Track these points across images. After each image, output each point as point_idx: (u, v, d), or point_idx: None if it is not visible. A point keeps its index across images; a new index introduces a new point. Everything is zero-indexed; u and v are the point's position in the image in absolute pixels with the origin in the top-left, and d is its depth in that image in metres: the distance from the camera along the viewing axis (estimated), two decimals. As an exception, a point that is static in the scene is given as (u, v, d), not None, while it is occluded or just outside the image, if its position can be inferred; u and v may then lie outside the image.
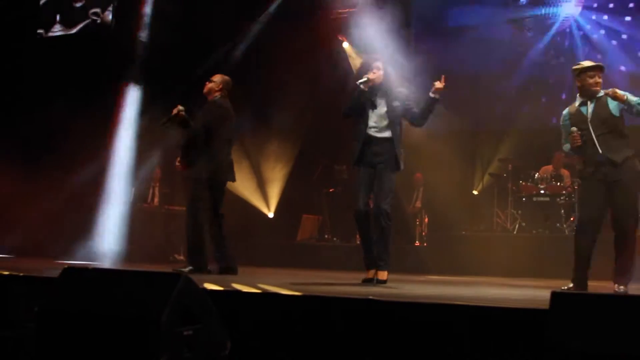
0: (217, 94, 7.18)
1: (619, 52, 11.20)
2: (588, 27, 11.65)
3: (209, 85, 7.25)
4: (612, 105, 5.79)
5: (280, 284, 5.17)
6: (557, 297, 2.81)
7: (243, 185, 11.76)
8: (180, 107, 6.87)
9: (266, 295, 4.26)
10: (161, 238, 10.99)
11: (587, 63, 5.99)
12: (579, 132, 5.80)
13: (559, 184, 10.49)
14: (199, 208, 6.88)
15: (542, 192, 10.47)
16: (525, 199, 10.63)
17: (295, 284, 5.33)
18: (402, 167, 6.14)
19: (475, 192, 12.01)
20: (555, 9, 11.85)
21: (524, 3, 12.06)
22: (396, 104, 6.10)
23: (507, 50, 12.06)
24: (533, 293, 5.26)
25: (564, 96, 11.27)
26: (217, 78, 7.28)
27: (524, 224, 10.43)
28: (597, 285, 6.95)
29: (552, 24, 11.87)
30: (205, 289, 4.06)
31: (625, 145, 5.80)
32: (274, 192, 12.08)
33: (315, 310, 3.78)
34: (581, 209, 5.99)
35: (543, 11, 11.94)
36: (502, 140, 11.69)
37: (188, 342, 3.02)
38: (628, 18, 11.43)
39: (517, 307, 3.58)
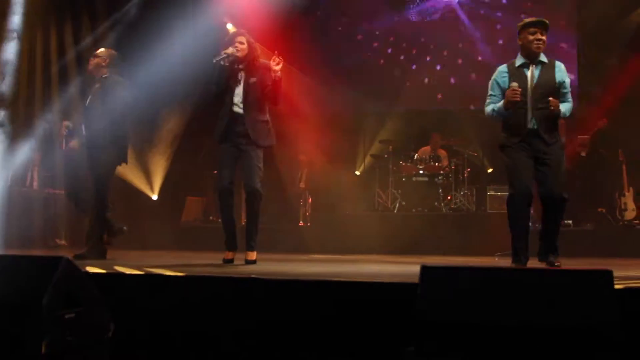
0: (105, 71, 6.55)
1: (497, 38, 11.63)
2: (467, 15, 12.06)
3: (95, 60, 6.56)
4: (559, 77, 5.30)
5: (163, 266, 5.17)
6: (426, 270, 2.97)
7: (125, 167, 11.53)
8: (67, 123, 6.60)
9: (149, 276, 4.26)
10: (41, 222, 10.68)
11: (529, 19, 5.38)
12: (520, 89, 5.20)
13: (436, 164, 10.92)
14: None
15: (420, 172, 10.88)
16: (405, 179, 10.99)
17: (178, 266, 5.34)
18: (272, 142, 5.97)
19: (357, 173, 12.29)
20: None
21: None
22: (252, 80, 5.81)
23: (391, 33, 12.38)
24: (409, 269, 5.41)
25: (453, 80, 11.69)
26: (103, 53, 6.61)
27: (404, 203, 10.76)
28: (468, 260, 7.33)
29: (433, 10, 12.22)
30: (87, 272, 4.05)
31: (557, 128, 5.34)
32: (158, 174, 11.92)
33: (199, 290, 3.85)
34: (514, 180, 5.27)
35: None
36: (383, 122, 11.98)
37: (70, 326, 3.01)
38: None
39: (389, 282, 3.73)
